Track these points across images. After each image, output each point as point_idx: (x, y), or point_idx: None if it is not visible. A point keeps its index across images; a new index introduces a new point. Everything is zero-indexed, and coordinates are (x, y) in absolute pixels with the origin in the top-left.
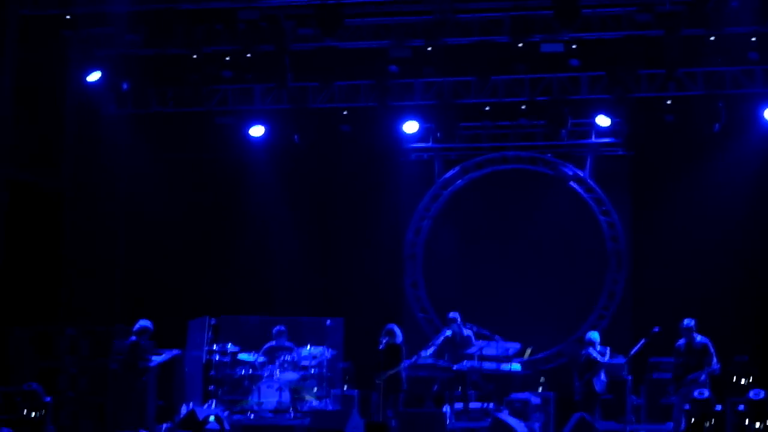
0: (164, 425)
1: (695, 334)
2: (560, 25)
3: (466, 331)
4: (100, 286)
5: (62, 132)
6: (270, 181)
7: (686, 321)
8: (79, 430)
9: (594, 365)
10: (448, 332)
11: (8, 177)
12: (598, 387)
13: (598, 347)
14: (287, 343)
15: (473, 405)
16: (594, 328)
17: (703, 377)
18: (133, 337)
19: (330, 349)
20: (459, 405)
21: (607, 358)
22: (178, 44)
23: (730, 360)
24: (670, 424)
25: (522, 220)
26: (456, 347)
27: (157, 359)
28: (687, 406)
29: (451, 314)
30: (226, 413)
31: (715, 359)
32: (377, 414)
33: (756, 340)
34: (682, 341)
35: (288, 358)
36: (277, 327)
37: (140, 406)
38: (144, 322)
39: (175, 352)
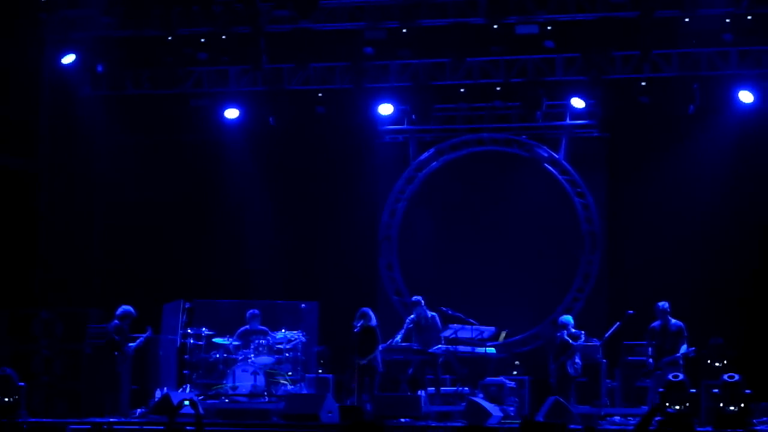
0: (138, 410)
1: (670, 317)
2: (535, 6)
3: (430, 313)
4: (75, 269)
5: (37, 114)
6: (245, 163)
7: (662, 303)
8: (53, 414)
9: (567, 348)
10: (412, 316)
11: None
12: (571, 370)
13: (572, 330)
14: (261, 327)
15: (448, 389)
16: (569, 311)
17: (681, 361)
18: (116, 321)
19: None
20: (433, 389)
21: (582, 341)
22: (153, 26)
23: (705, 343)
24: (645, 408)
25: (497, 202)
26: (421, 330)
27: (132, 345)
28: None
29: (414, 298)
30: (200, 397)
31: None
32: (352, 397)
33: (731, 323)
34: (656, 323)
35: (263, 341)
36: (251, 311)
37: (115, 390)
38: (126, 307)
39: (146, 334)
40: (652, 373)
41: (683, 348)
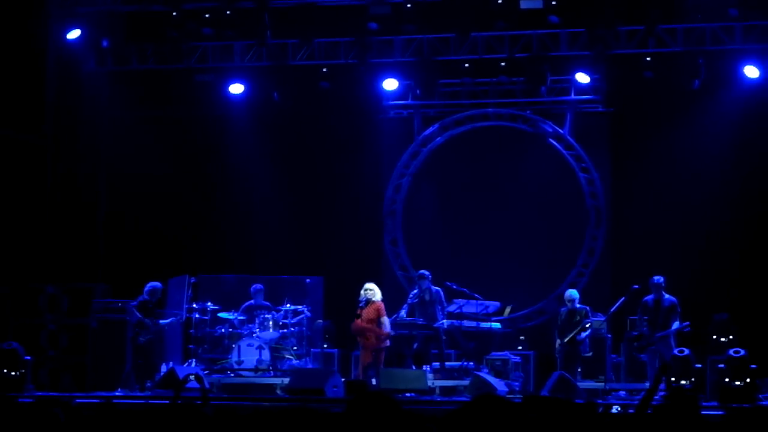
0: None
1: (664, 292)
2: None
3: (435, 288)
4: (81, 244)
5: (43, 88)
6: (249, 138)
7: (657, 278)
8: (58, 388)
9: (579, 325)
10: (416, 290)
11: None
12: (584, 348)
13: (577, 305)
14: (264, 302)
15: (453, 364)
16: (573, 286)
17: (672, 337)
18: (144, 296)
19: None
20: (438, 363)
21: (588, 318)
22: (158, 1)
23: (710, 318)
24: (648, 384)
25: (501, 178)
26: (425, 305)
27: (162, 322)
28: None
29: (421, 271)
30: (205, 372)
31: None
32: (357, 372)
33: (736, 298)
34: (650, 297)
35: (268, 316)
36: (255, 285)
37: (150, 364)
38: (154, 284)
39: (179, 317)
40: (646, 348)
41: (676, 324)
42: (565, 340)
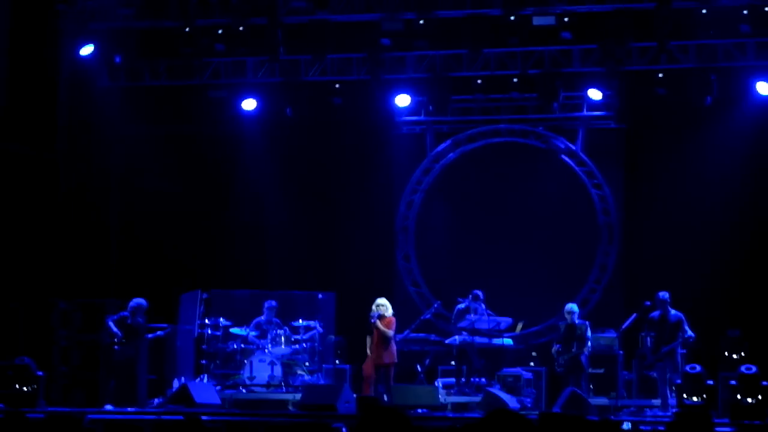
0: (156, 399)
1: (670, 308)
2: None
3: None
4: (93, 260)
5: (56, 104)
6: (262, 154)
7: (662, 293)
8: (70, 404)
9: (582, 339)
10: (462, 305)
11: (1, 148)
12: (586, 362)
13: (577, 320)
14: (275, 320)
15: (465, 379)
16: (586, 302)
17: (678, 350)
18: (123, 313)
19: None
20: (451, 379)
21: (588, 332)
22: (171, 17)
23: (723, 334)
24: (659, 400)
25: (513, 194)
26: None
27: (149, 336)
28: (678, 381)
29: (477, 291)
30: (218, 387)
31: (687, 329)
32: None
33: (748, 315)
34: (656, 313)
35: (280, 332)
36: (269, 302)
37: (131, 380)
38: (137, 300)
39: (165, 330)
40: (653, 365)
41: (687, 332)
42: (568, 357)
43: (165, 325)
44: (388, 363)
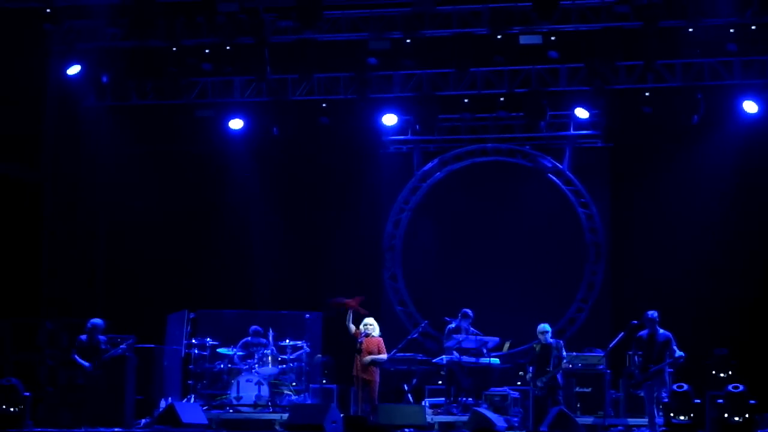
0: (143, 420)
1: (658, 327)
2: (539, 17)
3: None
4: (80, 279)
5: (42, 124)
6: (249, 173)
7: (651, 312)
8: (58, 424)
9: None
10: (453, 324)
11: None
12: (562, 380)
13: (550, 339)
14: (262, 340)
15: (452, 399)
16: (573, 321)
17: (667, 369)
18: (82, 336)
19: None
20: (439, 399)
21: (563, 351)
22: (158, 37)
23: (710, 353)
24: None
25: (501, 213)
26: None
27: (105, 357)
28: (665, 399)
29: (466, 309)
30: (204, 407)
31: (676, 349)
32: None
33: (735, 333)
34: (644, 332)
35: (267, 351)
36: (254, 327)
37: (104, 399)
38: (94, 321)
39: (121, 347)
40: (641, 384)
41: (675, 353)
42: (545, 379)
43: (124, 340)
44: (370, 380)
